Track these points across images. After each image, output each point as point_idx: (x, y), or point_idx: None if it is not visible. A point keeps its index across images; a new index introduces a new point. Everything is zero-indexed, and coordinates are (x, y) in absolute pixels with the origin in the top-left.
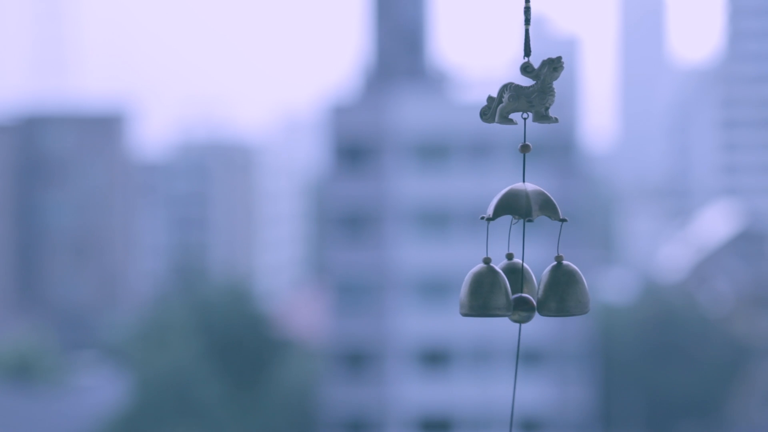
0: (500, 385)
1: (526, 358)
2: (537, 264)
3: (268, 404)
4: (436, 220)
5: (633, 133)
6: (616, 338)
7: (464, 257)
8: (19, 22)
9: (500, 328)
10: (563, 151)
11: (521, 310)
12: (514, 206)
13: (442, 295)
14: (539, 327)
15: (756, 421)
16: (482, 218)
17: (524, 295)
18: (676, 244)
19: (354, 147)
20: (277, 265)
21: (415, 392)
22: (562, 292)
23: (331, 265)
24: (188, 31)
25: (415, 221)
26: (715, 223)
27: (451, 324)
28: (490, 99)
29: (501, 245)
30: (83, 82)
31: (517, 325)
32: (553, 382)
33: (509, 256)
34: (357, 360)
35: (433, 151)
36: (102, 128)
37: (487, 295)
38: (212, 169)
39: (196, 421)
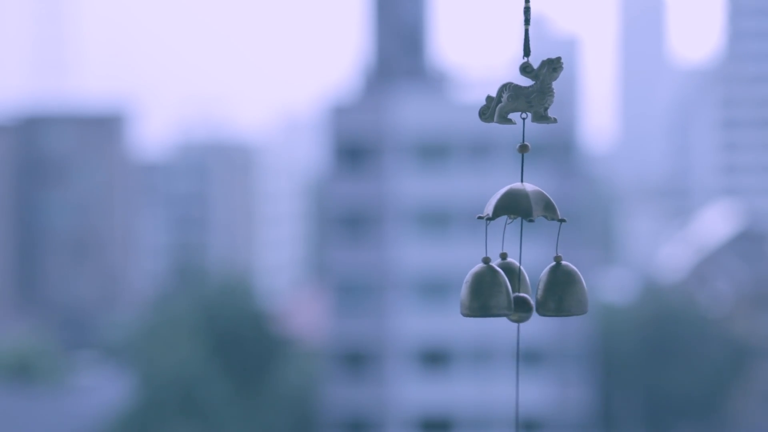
0: (500, 385)
1: (526, 358)
2: (534, 264)
3: (268, 404)
4: (436, 220)
5: (633, 133)
6: (616, 338)
7: (464, 257)
8: (19, 22)
9: (500, 328)
10: (563, 151)
11: (519, 310)
12: (514, 206)
13: (442, 295)
14: (539, 327)
15: (756, 421)
16: (480, 217)
17: (522, 294)
18: (676, 244)
19: (354, 147)
20: (277, 265)
21: (415, 392)
22: (561, 292)
23: (331, 265)
24: (188, 31)
25: (415, 221)
26: (715, 223)
27: (451, 324)
28: (489, 99)
29: (499, 245)
30: (83, 82)
31: (517, 325)
32: (553, 382)
33: (503, 256)
34: (357, 360)
35: (433, 151)
36: (102, 128)
37: (487, 295)
38: (212, 169)
39: (197, 420)
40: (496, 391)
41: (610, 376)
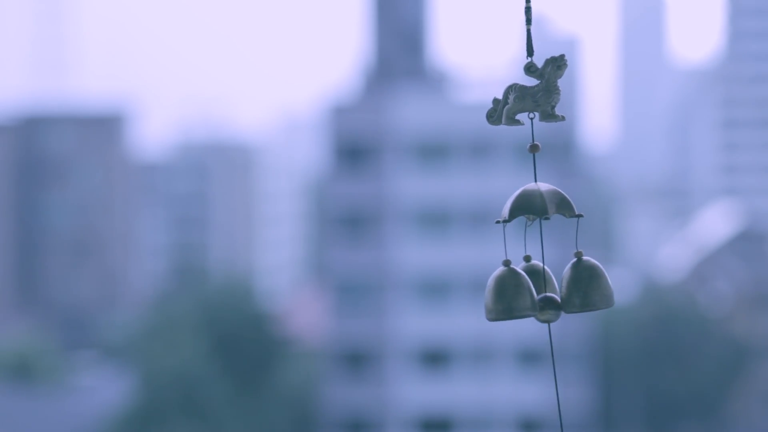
0: (500, 385)
1: (526, 357)
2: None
3: (269, 403)
4: (436, 220)
5: (633, 133)
6: (616, 338)
7: (465, 257)
8: (19, 22)
9: (500, 328)
10: (563, 151)
11: (548, 309)
12: (529, 206)
13: (442, 295)
14: (538, 326)
15: (756, 421)
16: (498, 222)
17: (549, 294)
18: (676, 244)
19: (354, 147)
20: (277, 265)
21: (415, 392)
22: (586, 287)
23: (331, 265)
24: (188, 31)
25: (415, 221)
26: (715, 223)
27: (451, 324)
28: (495, 101)
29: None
30: (83, 82)
31: (517, 324)
32: (553, 382)
33: (527, 258)
34: (357, 360)
35: (434, 151)
36: (102, 128)
37: (511, 297)
38: (212, 169)
39: (197, 420)
40: (496, 391)
41: (610, 376)
